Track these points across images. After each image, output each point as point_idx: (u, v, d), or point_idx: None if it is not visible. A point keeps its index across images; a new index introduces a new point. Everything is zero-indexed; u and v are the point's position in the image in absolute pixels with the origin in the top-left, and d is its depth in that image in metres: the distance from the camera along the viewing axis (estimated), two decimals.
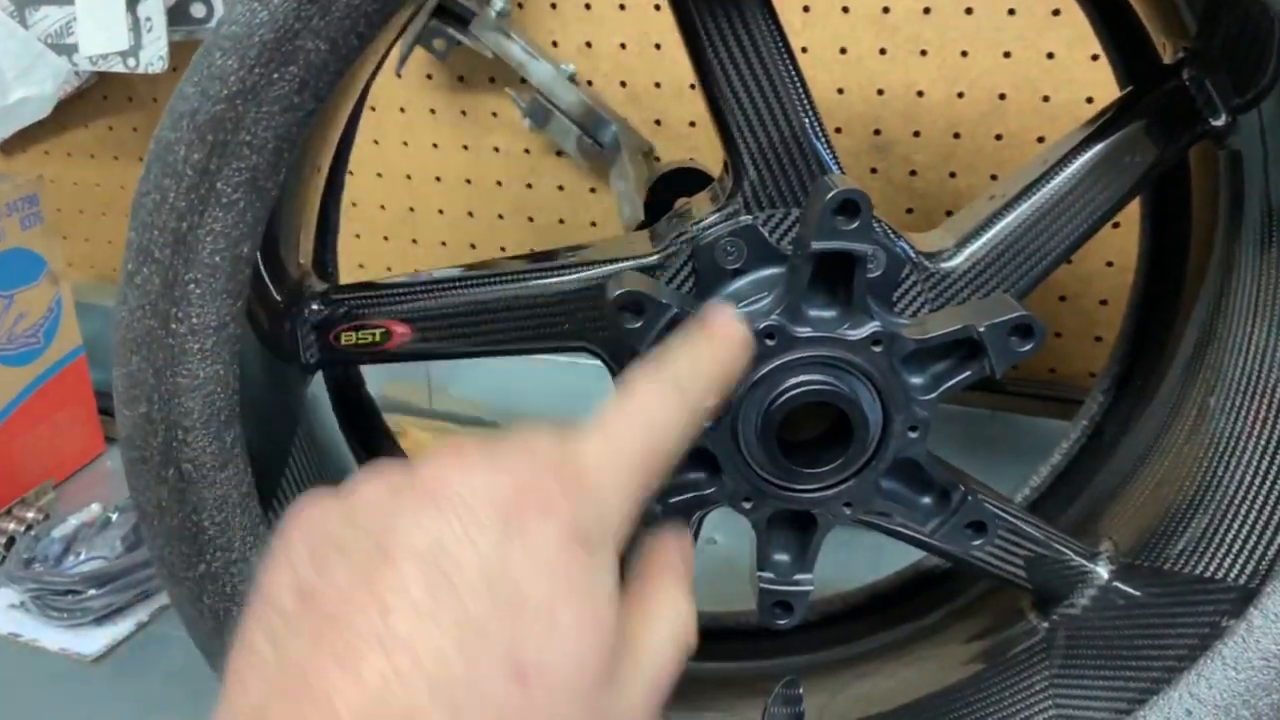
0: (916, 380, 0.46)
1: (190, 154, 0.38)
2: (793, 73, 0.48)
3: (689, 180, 0.72)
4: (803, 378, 0.45)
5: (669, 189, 0.72)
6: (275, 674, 0.27)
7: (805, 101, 0.48)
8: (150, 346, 0.41)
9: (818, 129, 0.49)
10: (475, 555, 0.27)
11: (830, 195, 0.42)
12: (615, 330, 0.44)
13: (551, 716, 0.27)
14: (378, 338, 0.51)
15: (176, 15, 0.92)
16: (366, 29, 0.38)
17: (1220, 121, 0.50)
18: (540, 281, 0.51)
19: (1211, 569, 0.50)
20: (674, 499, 0.48)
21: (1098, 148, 0.52)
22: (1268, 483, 0.49)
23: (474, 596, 0.26)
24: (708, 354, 0.38)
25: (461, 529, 0.27)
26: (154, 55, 0.92)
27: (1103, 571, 0.55)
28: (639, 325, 0.44)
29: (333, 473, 0.56)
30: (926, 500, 0.49)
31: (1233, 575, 0.49)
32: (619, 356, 0.52)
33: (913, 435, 0.46)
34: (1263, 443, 0.50)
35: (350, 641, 0.26)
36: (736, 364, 0.40)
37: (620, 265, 0.51)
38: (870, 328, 0.45)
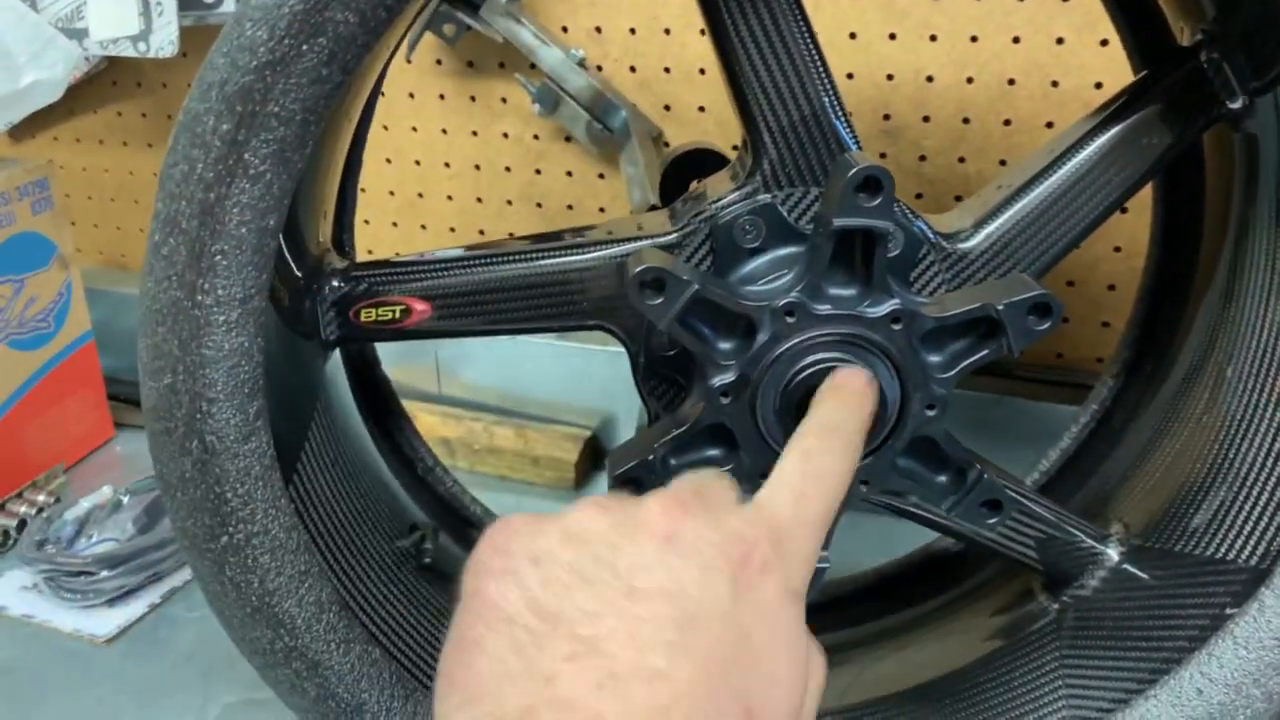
0: (935, 359, 0.46)
1: (219, 124, 0.38)
2: (814, 52, 0.48)
3: (704, 161, 0.73)
4: (822, 355, 0.45)
5: (684, 170, 0.72)
6: (535, 688, 0.28)
7: (826, 80, 0.48)
8: (176, 317, 0.41)
9: (838, 108, 0.49)
10: (715, 603, 0.30)
11: (853, 172, 0.42)
12: (636, 307, 0.44)
13: None
14: (397, 314, 0.51)
15: (187, 0, 0.92)
16: (395, 2, 0.38)
17: (1237, 104, 0.51)
18: (560, 259, 0.51)
19: (1222, 550, 0.51)
20: None
21: (1114, 130, 0.52)
22: (1278, 465, 0.50)
23: (715, 641, 0.30)
24: (856, 405, 0.42)
25: (702, 577, 0.31)
26: (164, 40, 0.92)
27: (1113, 553, 0.55)
28: (660, 302, 0.44)
29: (351, 450, 0.57)
30: (942, 479, 0.50)
31: (1244, 556, 0.49)
32: (636, 334, 0.52)
33: (930, 413, 0.47)
34: (1275, 423, 0.50)
35: (614, 670, 0.28)
36: (873, 402, 0.43)
37: (640, 243, 0.51)
38: (890, 305, 0.45)
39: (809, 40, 0.48)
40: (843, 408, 0.41)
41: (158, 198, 0.40)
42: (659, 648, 0.29)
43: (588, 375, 0.94)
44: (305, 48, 0.38)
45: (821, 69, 0.48)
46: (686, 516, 0.32)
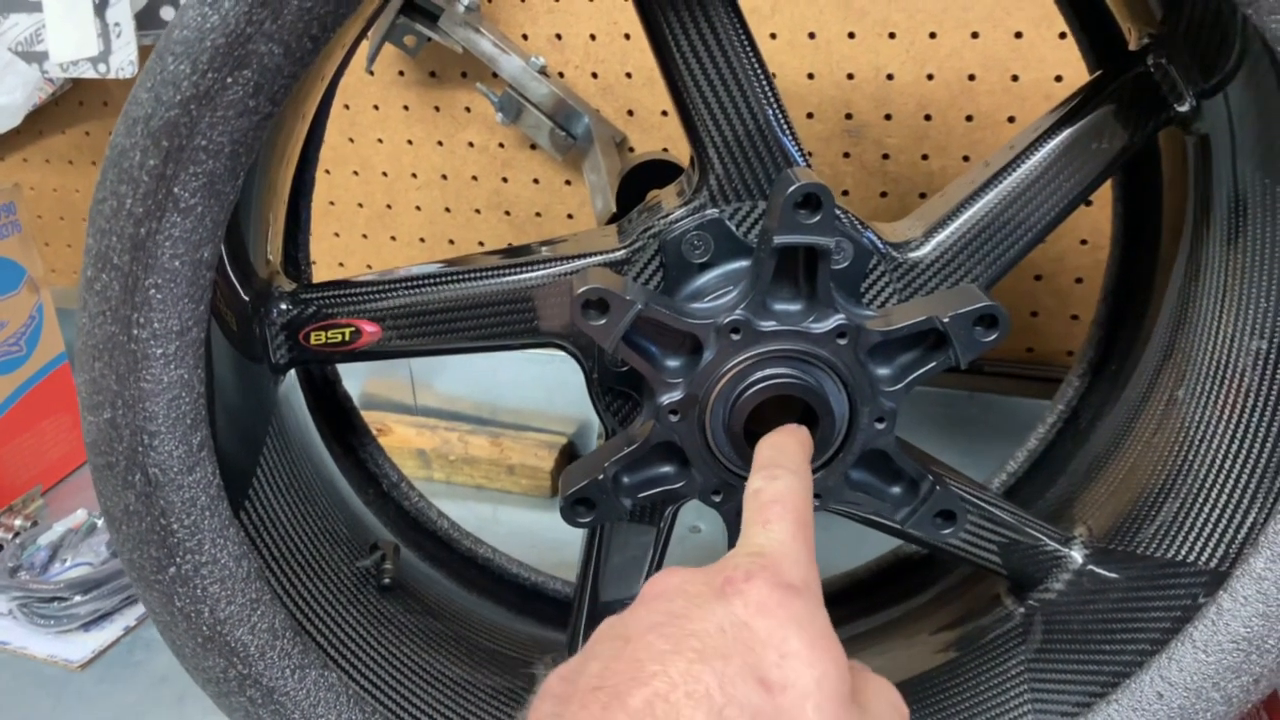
0: (883, 371, 0.46)
1: (146, 159, 0.38)
2: (756, 66, 0.48)
3: (660, 172, 0.72)
4: (768, 371, 0.45)
5: (640, 180, 0.72)
6: None
7: (769, 94, 0.48)
8: (113, 352, 0.41)
9: (782, 121, 0.49)
10: (701, 611, 0.33)
11: (792, 189, 0.42)
12: (580, 327, 0.44)
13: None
14: (346, 337, 0.51)
15: (146, 19, 0.91)
16: (320, 32, 0.38)
17: (1185, 107, 0.51)
18: (509, 278, 0.51)
19: (1183, 553, 0.50)
20: (644, 494, 0.48)
21: (1065, 133, 0.52)
22: (1236, 467, 0.50)
23: (708, 636, 0.32)
24: (785, 438, 0.43)
25: (685, 603, 0.34)
26: (124, 60, 0.91)
27: (1077, 556, 0.55)
28: (603, 322, 0.44)
29: (308, 472, 0.56)
30: (896, 490, 0.49)
31: (1203, 559, 0.49)
32: (589, 351, 0.52)
33: (880, 426, 0.47)
34: (1231, 428, 0.50)
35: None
36: (808, 440, 0.45)
37: (587, 261, 0.51)
38: (835, 320, 0.45)
39: (751, 55, 0.48)
40: (775, 446, 0.42)
41: (88, 233, 0.40)
42: (656, 659, 0.31)
43: (562, 383, 0.94)
44: (230, 80, 0.37)
45: (765, 83, 0.48)
46: (670, 574, 0.35)
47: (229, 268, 0.47)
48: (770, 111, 0.48)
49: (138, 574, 0.45)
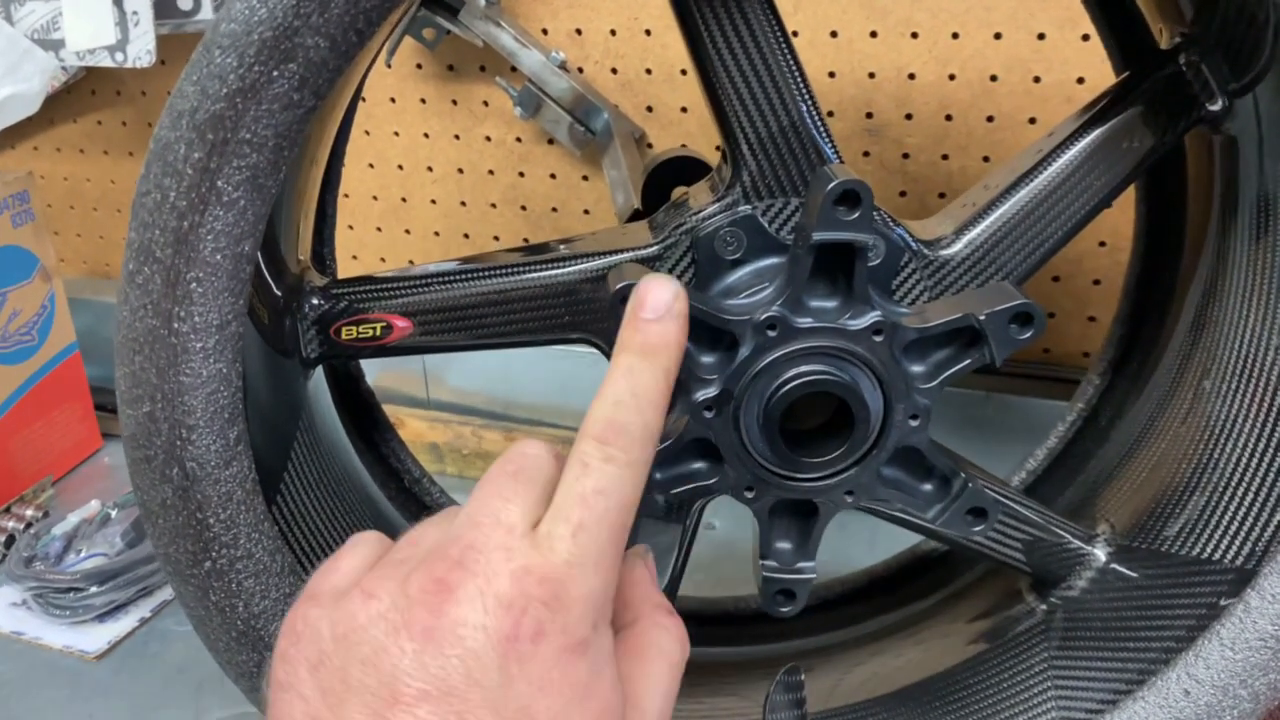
0: (917, 369, 0.46)
1: (190, 153, 0.38)
2: (791, 61, 0.48)
3: (686, 169, 0.72)
4: (804, 368, 0.45)
5: (666, 177, 0.72)
6: None
7: (804, 90, 0.48)
8: (153, 346, 0.41)
9: (816, 117, 0.49)
10: (482, 694, 0.29)
11: (831, 186, 0.42)
12: (615, 322, 0.44)
13: None
14: (378, 332, 0.51)
15: (163, 8, 0.91)
16: (366, 25, 0.38)
17: (1217, 106, 0.51)
18: (540, 274, 0.51)
19: (1208, 551, 0.51)
20: (676, 490, 0.49)
21: (1095, 133, 0.52)
22: (1263, 464, 0.50)
23: None
24: (644, 359, 0.36)
25: (464, 669, 0.29)
26: (141, 49, 0.91)
27: (1100, 554, 0.56)
28: None
29: (335, 467, 0.56)
30: (928, 487, 0.49)
31: (1229, 557, 0.50)
32: None
33: (914, 424, 0.47)
34: (1258, 425, 0.50)
35: None
36: (676, 343, 0.37)
37: (620, 256, 0.51)
38: (871, 318, 0.45)
39: (786, 49, 0.48)
40: (630, 375, 0.36)
41: (131, 226, 0.40)
42: None
43: (576, 378, 0.94)
44: (276, 74, 0.37)
45: (799, 78, 0.48)
46: (446, 599, 0.30)
47: (262, 262, 0.47)
48: (805, 107, 0.48)
49: (173, 568, 0.45)
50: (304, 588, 0.34)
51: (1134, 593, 0.54)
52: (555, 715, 0.30)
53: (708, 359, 0.46)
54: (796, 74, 0.48)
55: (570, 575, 0.31)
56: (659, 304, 0.37)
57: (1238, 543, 0.50)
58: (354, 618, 0.31)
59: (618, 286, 0.44)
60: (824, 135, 0.49)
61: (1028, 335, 0.45)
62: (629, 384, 0.35)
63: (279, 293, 0.49)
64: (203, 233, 0.39)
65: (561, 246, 0.53)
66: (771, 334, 0.45)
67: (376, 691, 0.30)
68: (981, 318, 0.44)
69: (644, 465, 0.35)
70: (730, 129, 0.49)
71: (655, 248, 0.50)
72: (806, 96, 0.48)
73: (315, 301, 0.51)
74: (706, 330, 0.46)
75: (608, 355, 0.52)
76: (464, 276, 0.51)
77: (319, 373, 0.57)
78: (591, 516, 0.33)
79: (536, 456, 0.36)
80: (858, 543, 0.73)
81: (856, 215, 0.43)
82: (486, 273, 0.51)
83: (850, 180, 0.42)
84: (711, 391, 0.46)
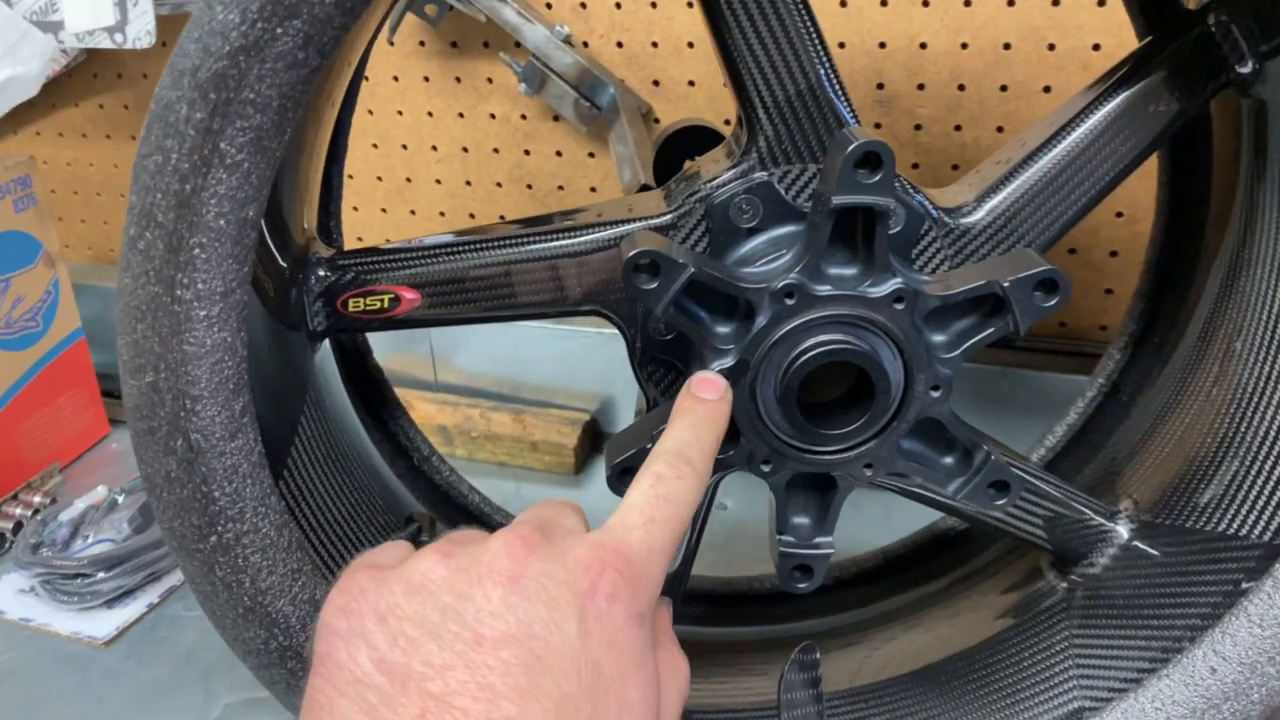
0: (939, 338, 0.45)
1: (192, 113, 0.37)
2: (808, 24, 0.47)
3: (698, 138, 0.71)
4: (823, 337, 0.44)
5: (677, 147, 0.71)
6: None
7: (821, 53, 0.47)
8: (155, 314, 0.40)
9: (834, 81, 0.47)
10: (563, 641, 0.31)
11: (852, 148, 0.41)
12: (630, 291, 0.43)
13: None
14: (386, 304, 0.50)
15: None
16: None
17: (1247, 69, 0.49)
18: (551, 243, 0.50)
19: (1234, 526, 0.50)
20: None
21: (1120, 98, 0.51)
22: None
23: (565, 678, 0.31)
24: (708, 424, 0.42)
25: (549, 615, 0.32)
26: (141, 30, 0.90)
27: (1123, 530, 0.54)
28: (655, 286, 0.43)
29: (343, 442, 0.55)
30: (948, 460, 0.48)
31: (1256, 532, 0.48)
32: (631, 319, 0.51)
33: (935, 394, 0.46)
34: None
35: None
36: (726, 417, 0.44)
37: (633, 225, 0.49)
38: (892, 285, 0.44)
39: (804, 12, 0.46)
40: (694, 428, 0.42)
41: (132, 190, 0.39)
42: (510, 695, 0.30)
43: (585, 358, 0.93)
44: (280, 31, 0.36)
45: (817, 41, 0.47)
46: (530, 554, 0.33)
47: (267, 231, 0.46)
48: (822, 70, 0.47)
49: (178, 542, 0.44)
50: (346, 567, 0.36)
51: (1157, 570, 0.53)
52: (618, 674, 0.32)
53: (723, 328, 0.45)
54: (814, 37, 0.47)
55: (641, 554, 0.35)
56: (717, 387, 0.44)
57: (1265, 518, 0.49)
58: (431, 570, 0.33)
59: (631, 254, 0.43)
60: (842, 99, 0.48)
61: (1053, 302, 0.43)
62: (694, 433, 0.41)
63: (284, 263, 0.48)
64: (205, 196, 0.38)
65: (572, 216, 0.52)
66: (789, 302, 0.44)
67: (459, 634, 0.31)
68: (1005, 284, 0.43)
69: (699, 491, 0.40)
70: (746, 93, 0.47)
71: (668, 216, 0.49)
72: (825, 60, 0.47)
73: (321, 273, 0.50)
74: (722, 298, 0.45)
75: (618, 326, 0.51)
76: (473, 247, 0.50)
77: (326, 346, 0.56)
78: (661, 514, 0.37)
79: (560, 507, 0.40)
80: (873, 523, 0.72)
81: (878, 178, 0.41)
82: (497, 243, 0.50)
83: (872, 142, 0.41)
84: (728, 362, 0.45)
